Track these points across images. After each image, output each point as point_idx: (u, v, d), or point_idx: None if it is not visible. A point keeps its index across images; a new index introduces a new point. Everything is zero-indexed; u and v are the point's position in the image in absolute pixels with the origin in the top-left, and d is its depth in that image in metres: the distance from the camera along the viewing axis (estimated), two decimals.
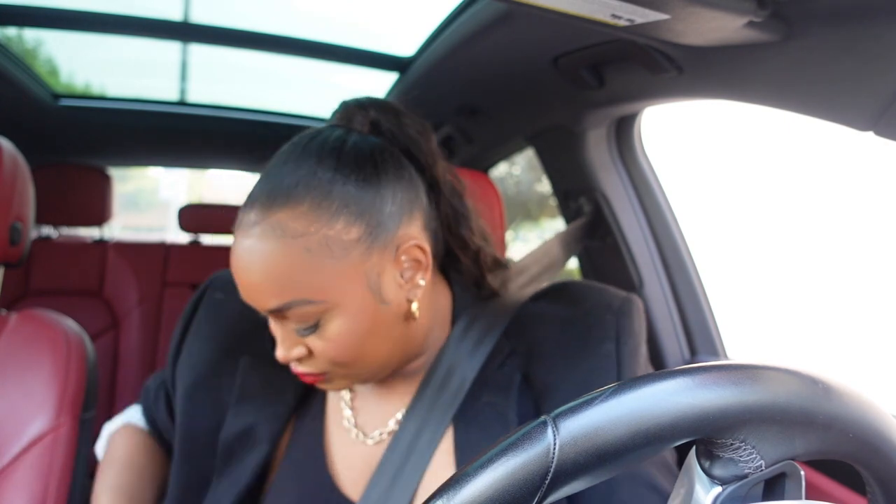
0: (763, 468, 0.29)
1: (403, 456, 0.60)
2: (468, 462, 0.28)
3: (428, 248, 0.58)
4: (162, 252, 2.18)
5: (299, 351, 0.56)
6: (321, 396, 0.69)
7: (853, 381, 0.32)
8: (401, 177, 0.58)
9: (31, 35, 1.83)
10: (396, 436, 0.62)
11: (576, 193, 1.27)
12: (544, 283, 0.75)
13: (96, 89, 2.18)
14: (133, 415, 0.82)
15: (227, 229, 2.30)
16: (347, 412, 0.66)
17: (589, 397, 0.28)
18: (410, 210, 0.58)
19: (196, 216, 2.28)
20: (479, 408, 0.61)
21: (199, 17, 1.48)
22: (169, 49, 1.71)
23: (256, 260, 0.52)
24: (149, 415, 0.80)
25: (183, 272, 2.19)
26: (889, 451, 0.31)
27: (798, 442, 0.29)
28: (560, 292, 0.70)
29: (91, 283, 2.06)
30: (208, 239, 2.33)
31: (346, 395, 0.67)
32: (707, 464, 0.30)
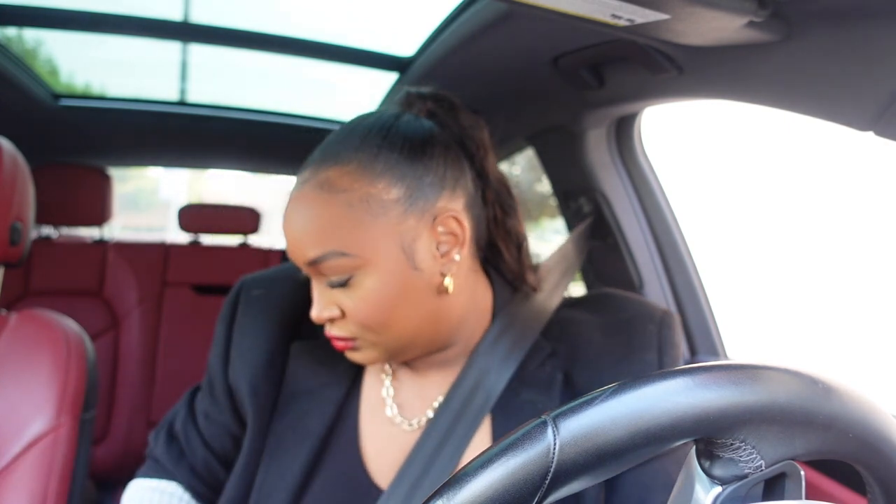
0: (763, 468, 0.29)
1: (437, 445, 0.61)
2: (469, 461, 0.28)
3: (467, 224, 0.60)
4: (162, 252, 2.18)
5: (332, 311, 0.58)
6: (360, 383, 0.68)
7: (853, 381, 0.32)
8: (447, 157, 0.60)
9: (30, 35, 1.83)
10: (432, 423, 0.62)
11: (576, 193, 1.27)
12: (567, 286, 0.77)
13: (96, 89, 2.18)
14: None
15: (227, 229, 2.30)
16: (389, 398, 0.66)
17: (589, 397, 0.28)
18: (454, 187, 0.60)
19: (196, 216, 2.28)
20: (518, 404, 0.63)
21: (199, 17, 1.48)
22: (169, 49, 1.71)
23: (302, 211, 0.57)
24: (173, 467, 0.74)
25: (183, 272, 2.19)
26: (889, 452, 0.31)
27: (798, 442, 0.29)
28: (598, 300, 0.72)
29: (91, 283, 2.06)
30: (208, 239, 2.33)
31: (386, 380, 0.67)
32: (707, 464, 0.30)
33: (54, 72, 2.05)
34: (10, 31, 1.71)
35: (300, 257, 0.58)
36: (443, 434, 0.62)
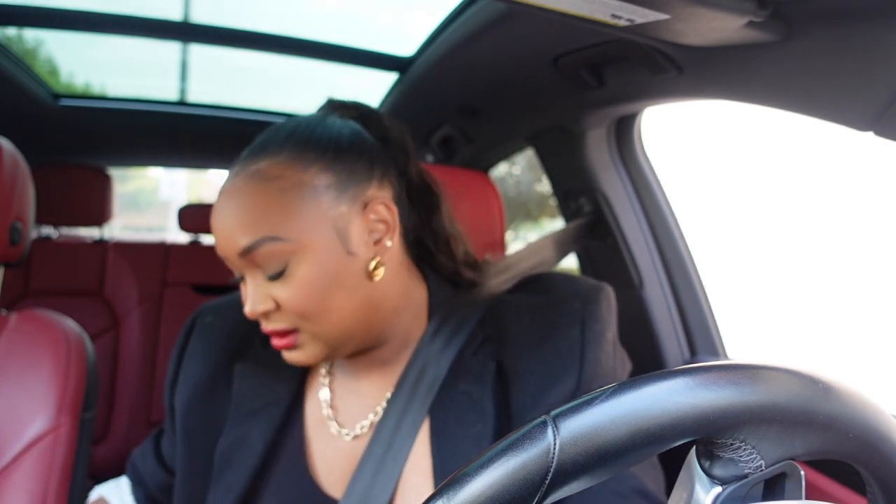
0: (763, 468, 0.29)
1: (384, 448, 0.62)
2: (469, 461, 0.28)
3: (395, 210, 0.62)
4: (162, 252, 2.18)
5: (266, 304, 0.58)
6: (302, 399, 0.69)
7: (853, 380, 0.32)
8: (373, 152, 0.62)
9: (31, 35, 1.83)
10: (377, 429, 0.63)
11: (576, 193, 1.27)
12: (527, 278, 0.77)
13: (96, 89, 2.18)
14: (107, 490, 0.83)
15: None
16: (328, 409, 0.67)
17: (589, 397, 0.28)
18: (381, 178, 0.62)
19: (196, 216, 2.28)
20: (454, 397, 0.62)
21: (199, 17, 1.48)
22: (169, 49, 1.71)
23: (233, 202, 0.57)
24: (137, 480, 0.82)
25: (183, 272, 2.19)
26: (889, 452, 0.31)
27: (798, 442, 0.29)
28: (535, 283, 0.72)
29: (91, 283, 2.06)
30: (208, 239, 2.33)
31: (325, 392, 0.68)
32: (707, 464, 0.30)
33: (54, 72, 2.05)
34: (10, 31, 1.71)
35: (232, 249, 0.57)
36: (390, 436, 0.62)
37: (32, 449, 0.82)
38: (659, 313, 1.19)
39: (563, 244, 1.00)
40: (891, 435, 0.31)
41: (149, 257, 2.15)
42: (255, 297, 0.58)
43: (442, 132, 1.57)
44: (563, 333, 0.63)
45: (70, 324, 0.91)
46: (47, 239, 2.13)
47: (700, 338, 1.19)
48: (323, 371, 0.70)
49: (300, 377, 0.69)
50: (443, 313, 0.67)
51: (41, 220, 2.05)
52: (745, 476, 0.29)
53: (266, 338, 0.70)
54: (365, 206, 0.60)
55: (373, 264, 0.60)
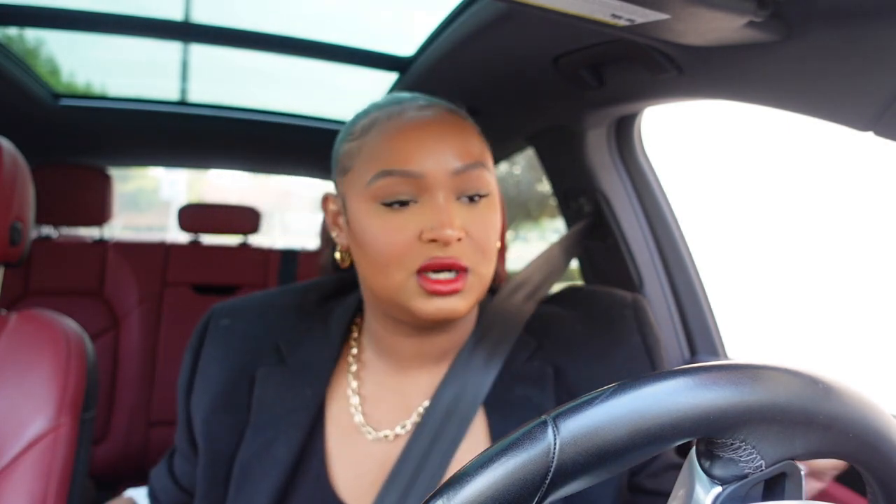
0: (763, 468, 0.29)
1: (424, 452, 0.59)
2: (469, 461, 0.28)
3: None
4: (162, 252, 2.18)
5: (460, 231, 0.57)
6: (326, 403, 0.67)
7: (853, 381, 0.32)
8: None
9: (32, 35, 1.83)
10: (419, 429, 0.61)
11: (576, 193, 1.27)
12: (549, 289, 0.78)
13: (97, 89, 2.18)
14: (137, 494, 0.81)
15: (227, 229, 2.30)
16: (357, 414, 0.64)
17: (589, 397, 0.28)
18: None
19: (196, 216, 2.28)
20: (513, 399, 0.62)
21: (200, 17, 1.48)
22: (170, 49, 1.71)
23: (446, 127, 0.59)
24: (154, 498, 0.79)
25: (183, 272, 2.19)
26: (889, 451, 0.31)
27: (798, 442, 0.29)
28: (569, 296, 0.73)
29: (91, 283, 2.06)
30: (208, 239, 2.33)
31: (353, 398, 0.66)
32: (707, 463, 0.30)
33: (55, 71, 2.05)
34: (11, 31, 1.72)
35: (445, 169, 0.57)
36: (430, 440, 0.60)
37: (32, 449, 0.82)
38: (659, 313, 1.19)
39: (568, 249, 1.00)
40: (891, 435, 0.31)
41: (149, 257, 2.15)
42: (454, 218, 0.56)
43: None
44: (625, 341, 0.65)
45: (70, 324, 0.91)
46: (47, 239, 2.13)
47: (700, 338, 1.19)
48: (352, 371, 0.67)
49: (326, 380, 0.65)
50: (488, 316, 0.67)
51: (41, 220, 2.05)
52: (745, 476, 0.29)
53: (291, 339, 0.67)
54: None
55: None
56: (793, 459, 0.30)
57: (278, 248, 2.36)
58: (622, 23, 0.62)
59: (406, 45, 1.38)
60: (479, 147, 0.60)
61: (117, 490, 2.06)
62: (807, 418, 0.29)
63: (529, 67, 1.02)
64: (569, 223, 1.35)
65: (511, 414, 0.62)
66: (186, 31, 1.48)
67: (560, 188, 1.34)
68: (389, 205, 0.57)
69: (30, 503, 0.80)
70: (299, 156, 2.26)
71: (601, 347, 0.65)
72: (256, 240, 2.41)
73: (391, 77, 1.51)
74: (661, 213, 1.19)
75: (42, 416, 0.83)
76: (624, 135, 1.19)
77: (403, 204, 0.57)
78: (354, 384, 0.66)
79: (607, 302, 0.69)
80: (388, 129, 0.59)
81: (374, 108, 0.64)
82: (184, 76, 1.85)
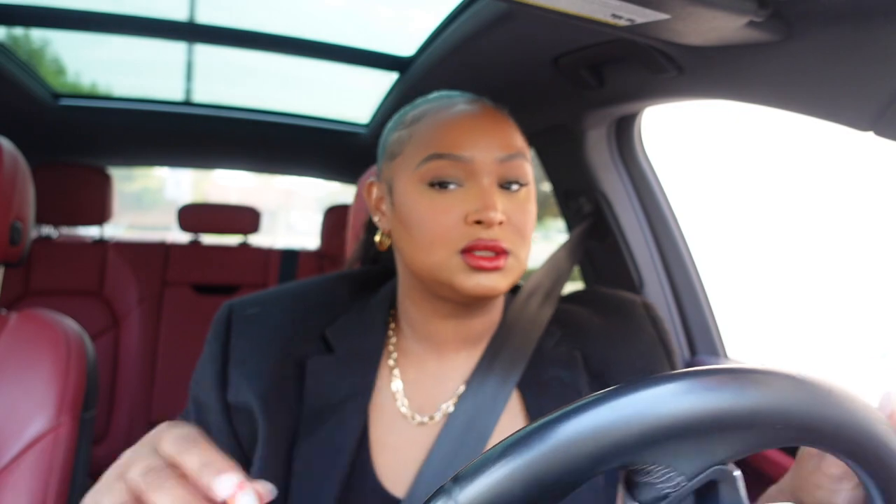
0: (685, 483, 0.28)
1: (463, 429, 0.62)
2: None
3: None
4: (162, 251, 2.19)
5: (502, 216, 0.60)
6: (372, 389, 0.67)
7: (755, 362, 0.30)
8: None
9: (37, 35, 1.83)
10: (456, 410, 0.63)
11: (576, 193, 1.27)
12: (559, 292, 0.80)
13: (102, 89, 2.19)
14: None
15: (227, 229, 2.30)
16: (400, 398, 0.66)
17: (482, 459, 0.28)
18: None
19: (196, 216, 2.28)
20: (546, 381, 0.66)
21: (201, 17, 1.48)
22: (173, 49, 1.71)
23: (494, 118, 0.63)
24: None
25: (183, 271, 2.19)
26: (824, 420, 0.29)
27: (719, 448, 0.28)
28: (580, 297, 0.78)
29: (91, 282, 2.07)
30: (208, 238, 2.33)
31: (396, 384, 0.67)
32: (632, 490, 0.30)
33: (61, 71, 2.05)
34: (18, 31, 1.72)
35: (492, 155, 0.61)
36: (467, 422, 0.62)
37: (32, 448, 0.82)
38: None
39: (572, 252, 1.01)
40: (820, 403, 0.29)
41: (149, 257, 2.15)
42: (498, 203, 0.59)
43: None
44: (641, 332, 0.71)
45: (70, 324, 0.91)
46: (47, 238, 2.13)
47: (700, 338, 1.19)
48: (393, 358, 0.68)
49: (376, 368, 0.66)
50: (516, 305, 0.72)
51: (41, 219, 2.05)
52: (665, 496, 0.28)
53: (336, 329, 0.68)
54: None
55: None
56: (722, 464, 0.29)
57: (278, 247, 2.36)
58: (622, 23, 0.62)
59: (406, 44, 1.38)
60: (520, 140, 0.64)
61: None
62: (718, 425, 0.27)
63: (529, 67, 1.02)
64: (569, 223, 1.35)
65: (544, 393, 0.65)
66: (188, 32, 1.48)
67: (560, 188, 1.34)
68: (437, 186, 0.61)
69: (30, 503, 0.80)
70: (299, 156, 2.26)
71: (619, 336, 0.70)
72: (258, 240, 2.41)
73: (391, 77, 1.51)
74: (661, 213, 1.19)
75: (42, 416, 0.83)
76: (624, 135, 1.19)
77: (450, 186, 0.61)
78: (396, 371, 0.68)
79: (618, 300, 0.75)
80: (439, 117, 0.63)
81: (425, 101, 0.68)
82: (189, 76, 1.85)
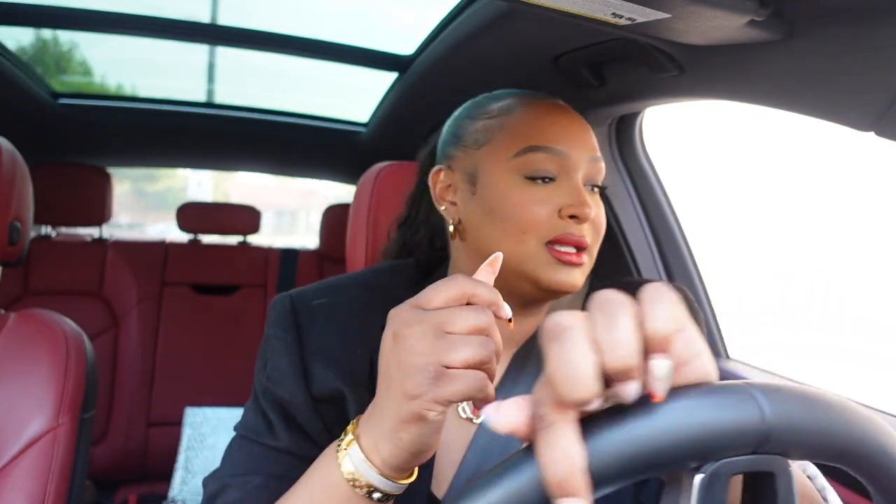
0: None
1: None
2: None
3: None
4: (161, 251, 2.18)
5: (592, 213, 0.62)
6: None
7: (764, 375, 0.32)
8: None
9: (65, 38, 1.85)
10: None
11: None
12: (583, 294, 0.79)
13: (128, 90, 2.20)
14: None
15: (226, 229, 2.30)
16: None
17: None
18: None
19: (195, 215, 2.27)
20: None
21: (203, 16, 1.48)
22: (190, 50, 1.71)
23: (581, 121, 0.65)
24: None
25: (182, 271, 2.19)
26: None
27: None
28: (614, 286, 0.76)
29: (90, 282, 2.06)
30: (208, 238, 2.33)
31: None
32: None
33: (88, 72, 2.07)
34: (47, 34, 1.74)
35: (586, 152, 0.63)
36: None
37: (31, 449, 0.82)
38: None
39: None
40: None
41: (148, 256, 2.15)
42: (588, 200, 0.61)
43: None
44: None
45: (69, 324, 0.91)
46: (47, 238, 2.13)
47: None
48: None
49: None
50: (559, 306, 0.71)
51: (41, 219, 2.05)
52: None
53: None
54: None
55: None
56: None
57: (277, 247, 2.36)
58: (623, 22, 0.62)
59: (406, 44, 1.37)
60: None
61: (117, 490, 2.06)
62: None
63: (530, 66, 1.02)
64: None
65: None
66: (190, 32, 1.48)
67: None
68: (532, 178, 0.61)
69: (28, 503, 0.79)
70: (299, 155, 2.26)
71: None
72: (282, 240, 2.41)
73: (390, 77, 1.51)
74: (662, 212, 1.19)
75: (41, 416, 0.83)
76: (625, 134, 1.19)
77: (545, 179, 0.61)
78: None
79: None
80: (535, 109, 0.64)
81: (506, 94, 0.68)
82: (210, 77, 1.85)
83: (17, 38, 1.46)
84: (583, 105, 1.09)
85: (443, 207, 0.68)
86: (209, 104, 1.89)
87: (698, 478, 0.29)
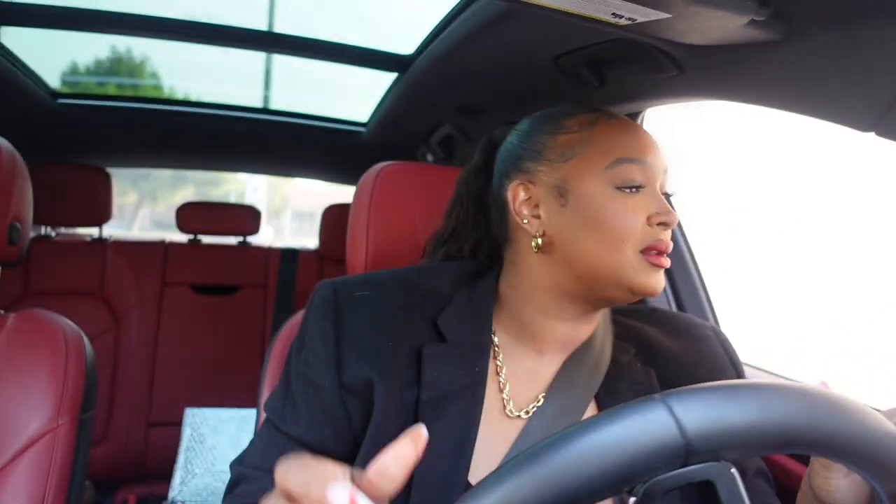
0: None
1: (546, 428, 0.64)
2: None
3: None
4: (161, 250, 2.18)
5: None
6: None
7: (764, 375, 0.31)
8: None
9: (138, 51, 1.90)
10: (542, 408, 0.65)
11: None
12: None
13: (193, 97, 2.22)
14: None
15: (226, 230, 2.29)
16: (507, 390, 0.68)
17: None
18: None
19: (195, 215, 2.27)
20: (623, 391, 0.67)
21: (203, 17, 1.48)
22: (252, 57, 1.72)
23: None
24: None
25: (182, 271, 2.19)
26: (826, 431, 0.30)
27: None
28: (642, 314, 0.79)
29: (91, 282, 2.06)
30: (207, 238, 2.32)
31: (501, 377, 0.69)
32: None
33: (158, 86, 2.12)
34: (122, 48, 1.81)
35: (663, 162, 0.67)
36: (552, 421, 0.64)
37: (31, 449, 0.81)
38: None
39: None
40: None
41: (148, 256, 2.15)
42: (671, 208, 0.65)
43: (442, 132, 1.57)
44: (713, 353, 0.73)
45: (68, 324, 0.91)
46: (46, 238, 2.13)
47: None
48: (497, 351, 0.70)
49: (488, 359, 0.68)
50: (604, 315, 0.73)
51: (40, 220, 2.05)
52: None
53: (447, 318, 0.69)
54: None
55: None
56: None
57: (277, 246, 2.36)
58: (623, 22, 0.62)
59: (405, 43, 1.37)
60: None
61: (117, 491, 2.06)
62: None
63: (530, 66, 1.02)
64: None
65: (620, 401, 0.66)
66: (187, 31, 1.48)
67: None
68: (622, 188, 0.64)
69: (28, 503, 0.79)
70: (298, 156, 2.26)
71: (688, 358, 0.72)
72: (256, 239, 2.41)
73: (390, 76, 1.51)
74: None
75: (40, 416, 0.83)
76: None
77: (633, 189, 0.64)
78: (501, 365, 0.69)
79: (687, 322, 0.77)
80: (615, 124, 0.67)
81: (576, 110, 0.71)
82: (266, 84, 1.86)
83: (103, 47, 1.50)
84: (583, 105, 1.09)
85: (525, 221, 0.69)
86: (209, 104, 1.89)
87: (631, 501, 0.29)
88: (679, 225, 1.19)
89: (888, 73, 0.56)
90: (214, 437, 1.80)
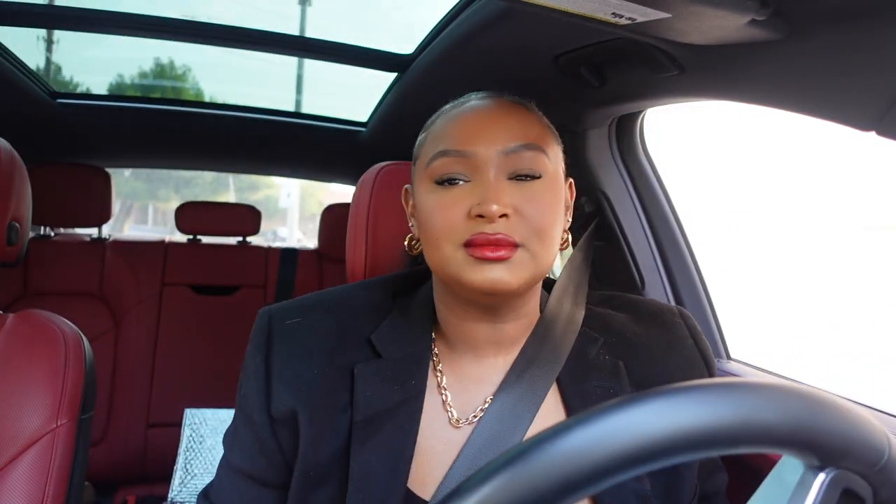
0: None
1: (493, 434, 0.62)
2: None
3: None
4: (160, 250, 2.18)
5: (507, 208, 0.59)
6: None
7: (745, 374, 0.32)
8: None
9: (180, 62, 1.91)
10: (487, 413, 0.63)
11: (577, 193, 1.27)
12: (584, 295, 0.79)
13: (230, 100, 2.22)
14: None
15: (226, 230, 2.29)
16: (447, 400, 0.66)
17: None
18: None
19: (194, 216, 2.27)
20: (589, 391, 0.66)
21: (204, 16, 1.47)
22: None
23: (507, 110, 0.63)
24: None
25: (182, 272, 2.18)
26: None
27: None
28: (614, 301, 0.77)
29: (90, 282, 2.06)
30: (207, 238, 2.32)
31: (442, 387, 0.67)
32: None
33: (199, 95, 2.12)
34: (164, 60, 1.81)
35: (496, 146, 0.61)
36: (498, 424, 0.63)
37: (30, 449, 0.81)
38: None
39: (587, 254, 1.01)
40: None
41: (147, 256, 2.15)
42: (502, 195, 0.59)
43: None
44: (682, 343, 0.71)
45: (68, 324, 0.91)
46: (46, 238, 2.12)
47: None
48: (434, 361, 0.68)
49: (426, 371, 0.67)
50: (550, 308, 0.71)
51: (40, 219, 2.04)
52: None
53: (381, 333, 0.68)
54: (567, 178, 0.69)
55: (565, 236, 0.67)
56: None
57: (277, 246, 2.36)
58: (623, 21, 0.62)
59: (405, 43, 1.37)
60: (536, 131, 0.63)
61: (116, 492, 2.06)
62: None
63: (530, 66, 1.02)
64: (579, 231, 1.34)
65: (590, 403, 0.65)
66: (190, 31, 1.48)
67: None
68: (443, 183, 0.61)
69: (27, 503, 0.79)
70: (298, 156, 2.26)
71: (660, 348, 0.70)
72: (256, 239, 2.40)
73: (390, 76, 1.51)
74: (662, 212, 1.19)
75: (40, 417, 0.82)
76: (625, 134, 1.18)
77: (456, 182, 0.61)
78: (441, 374, 0.68)
79: (655, 308, 0.75)
80: (450, 116, 0.65)
81: (448, 105, 0.69)
82: (298, 88, 1.86)
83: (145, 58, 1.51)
84: (583, 105, 1.09)
85: (411, 224, 0.70)
86: (209, 104, 1.89)
87: (821, 477, 0.30)
88: (679, 224, 1.19)
89: (888, 72, 0.56)
90: (214, 437, 1.80)
